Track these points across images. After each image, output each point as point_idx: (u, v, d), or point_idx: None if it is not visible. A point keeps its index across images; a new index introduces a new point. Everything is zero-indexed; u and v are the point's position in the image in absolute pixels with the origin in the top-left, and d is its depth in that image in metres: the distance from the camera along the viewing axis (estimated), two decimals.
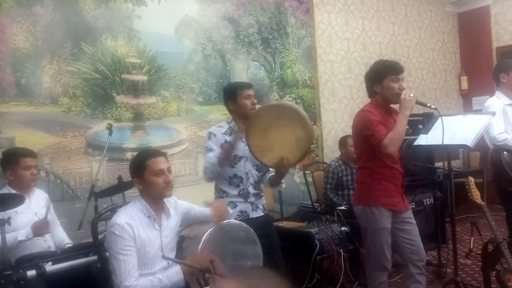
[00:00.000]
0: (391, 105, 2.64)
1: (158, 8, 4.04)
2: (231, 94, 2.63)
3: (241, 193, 2.61)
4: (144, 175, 1.98)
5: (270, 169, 2.65)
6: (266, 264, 2.30)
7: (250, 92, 2.62)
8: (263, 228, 2.53)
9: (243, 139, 2.54)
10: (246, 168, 2.61)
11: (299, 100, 5.06)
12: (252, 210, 2.62)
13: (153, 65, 4.03)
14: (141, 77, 3.96)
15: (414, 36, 6.30)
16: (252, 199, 2.63)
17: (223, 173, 2.59)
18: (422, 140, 2.95)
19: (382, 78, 2.53)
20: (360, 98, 5.26)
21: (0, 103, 3.21)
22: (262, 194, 2.73)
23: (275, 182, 2.67)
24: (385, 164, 2.50)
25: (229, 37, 4.59)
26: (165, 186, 2.00)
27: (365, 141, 2.52)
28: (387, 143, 2.38)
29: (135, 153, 3.84)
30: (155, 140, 4.00)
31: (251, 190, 2.63)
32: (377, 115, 2.50)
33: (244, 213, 2.60)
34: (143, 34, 3.96)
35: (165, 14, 4.09)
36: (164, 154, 2.08)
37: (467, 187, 2.67)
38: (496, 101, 3.18)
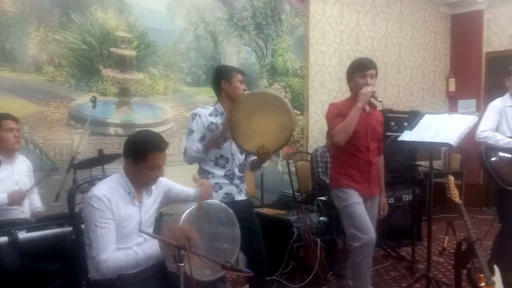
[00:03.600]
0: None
1: None
2: (227, 74, 2.61)
3: (227, 174, 2.59)
4: (139, 164, 1.91)
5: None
6: (246, 248, 2.31)
7: (243, 78, 2.65)
8: (246, 212, 2.53)
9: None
10: (232, 149, 2.59)
11: (288, 89, 5.05)
12: (237, 192, 2.61)
13: (142, 41, 3.96)
14: (130, 52, 3.89)
15: (407, 34, 6.33)
16: (237, 181, 2.62)
17: (208, 154, 2.56)
18: (406, 136, 2.98)
19: (352, 75, 2.71)
20: (349, 92, 5.25)
21: None
22: (245, 178, 2.73)
23: (255, 166, 2.70)
24: (350, 152, 2.69)
25: (222, 19, 4.53)
26: (154, 180, 1.98)
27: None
28: (334, 133, 2.61)
29: (120, 129, 3.84)
30: (139, 117, 3.95)
31: (236, 172, 2.62)
32: (341, 108, 2.69)
33: (229, 195, 2.58)
34: (134, 8, 3.87)
35: None
36: (167, 146, 1.98)
37: (446, 185, 2.70)
38: (498, 102, 3.18)
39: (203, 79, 4.37)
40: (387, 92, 6.01)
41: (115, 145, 3.71)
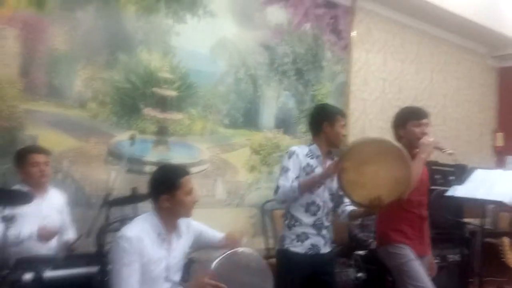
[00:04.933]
0: None
1: (197, 27, 4.05)
2: (330, 116, 2.51)
3: (316, 223, 2.45)
4: (176, 193, 1.89)
5: (346, 201, 2.50)
6: None
7: (345, 122, 2.57)
8: (328, 265, 2.42)
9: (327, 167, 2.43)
10: (324, 196, 2.46)
11: None
12: (323, 244, 2.46)
13: (184, 82, 4.01)
14: (171, 93, 3.94)
15: (452, 85, 6.16)
16: (324, 232, 2.48)
17: (300, 199, 2.43)
18: (455, 191, 2.79)
19: (405, 123, 2.62)
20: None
21: (30, 100, 3.20)
22: (332, 227, 2.56)
23: (355, 217, 2.55)
24: (402, 206, 2.52)
25: (263, 63, 4.56)
26: (192, 206, 1.94)
27: None
28: None
29: (155, 167, 3.83)
30: (176, 156, 3.93)
31: (325, 222, 2.48)
32: None
33: (315, 247, 2.43)
34: (178, 50, 3.96)
35: (203, 33, 4.09)
36: (189, 173, 2.02)
37: (500, 248, 2.47)
38: None
39: (241, 122, 4.35)
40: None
41: None
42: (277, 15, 4.61)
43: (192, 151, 4.09)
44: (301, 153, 2.45)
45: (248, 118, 4.44)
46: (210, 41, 4.17)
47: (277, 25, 4.61)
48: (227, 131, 4.29)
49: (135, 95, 3.74)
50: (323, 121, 2.51)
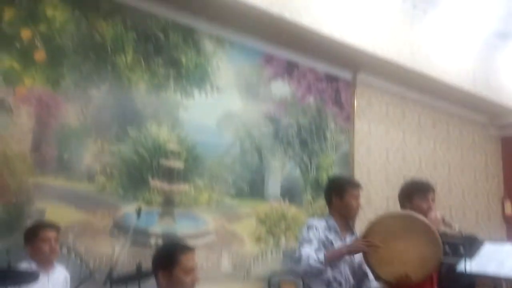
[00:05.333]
0: None
1: (205, 101, 4.21)
2: (339, 189, 2.49)
3: None
4: (173, 271, 1.84)
5: (370, 277, 2.41)
6: None
7: (359, 192, 2.52)
8: None
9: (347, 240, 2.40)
10: (345, 271, 2.38)
11: None
12: None
13: (191, 154, 4.09)
14: (178, 164, 4.01)
15: (456, 155, 6.21)
16: None
17: (322, 274, 2.33)
18: (466, 266, 2.72)
19: (411, 197, 2.58)
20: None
21: (39, 174, 3.27)
22: None
23: None
24: None
25: (268, 134, 4.66)
26: (192, 286, 1.88)
27: None
28: None
29: (160, 240, 3.80)
30: (181, 228, 3.92)
31: None
32: None
33: None
34: (186, 123, 4.08)
35: (210, 107, 4.25)
36: (194, 250, 1.95)
37: None
38: None
39: (247, 192, 4.37)
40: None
41: None
42: (281, 89, 4.79)
43: (198, 222, 4.07)
44: (320, 227, 2.42)
45: (254, 188, 4.47)
46: (216, 115, 4.31)
47: (281, 98, 4.78)
48: (233, 201, 4.30)
49: (143, 167, 3.80)
50: (332, 193, 2.50)
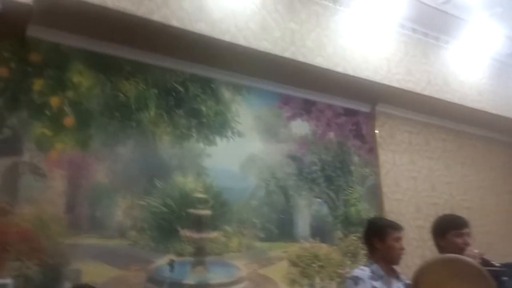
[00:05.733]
0: None
1: (226, 147, 4.29)
2: (381, 232, 2.46)
3: None
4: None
5: None
6: None
7: (401, 235, 2.48)
8: None
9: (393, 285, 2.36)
10: None
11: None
12: None
13: (217, 200, 4.13)
14: (206, 212, 4.05)
15: (487, 177, 6.05)
16: None
17: None
18: None
19: (445, 232, 2.57)
20: (431, 240, 4.91)
21: (73, 235, 3.36)
22: None
23: None
24: None
25: (292, 174, 4.68)
26: None
27: None
28: None
29: None
30: (214, 277, 3.91)
31: None
32: None
33: None
34: (210, 171, 4.15)
35: (232, 152, 4.32)
36: None
37: None
38: None
39: (276, 234, 4.35)
40: (475, 240, 5.53)
41: None
42: (301, 127, 4.84)
43: (230, 270, 4.05)
44: (366, 278, 2.36)
45: (283, 230, 4.44)
46: (239, 159, 4.37)
47: (302, 137, 4.82)
48: (263, 245, 4.28)
49: (172, 218, 3.86)
50: (373, 237, 2.45)
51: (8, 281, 2.95)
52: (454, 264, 2.21)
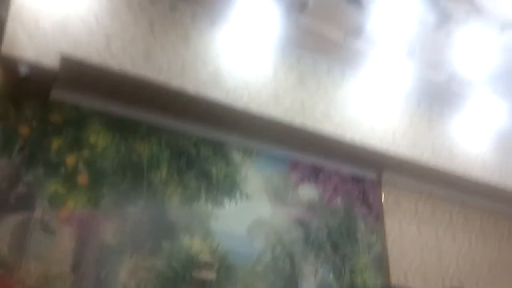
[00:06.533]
0: None
1: (234, 209, 4.32)
2: None
3: None
4: None
5: None
6: None
7: None
8: None
9: None
10: None
11: None
12: None
13: (222, 264, 4.09)
14: (210, 275, 4.00)
15: (494, 250, 5.96)
16: None
17: None
18: None
19: None
20: None
21: None
22: None
23: None
24: None
25: (299, 239, 4.65)
26: None
27: None
28: None
29: None
30: None
31: None
32: None
33: None
34: (217, 234, 4.15)
35: (239, 215, 4.34)
36: None
37: None
38: None
39: None
40: None
41: None
42: (308, 192, 4.89)
43: None
44: None
45: None
46: (247, 222, 4.38)
47: (309, 202, 4.85)
48: None
49: (176, 281, 3.81)
50: None
51: None
52: None
